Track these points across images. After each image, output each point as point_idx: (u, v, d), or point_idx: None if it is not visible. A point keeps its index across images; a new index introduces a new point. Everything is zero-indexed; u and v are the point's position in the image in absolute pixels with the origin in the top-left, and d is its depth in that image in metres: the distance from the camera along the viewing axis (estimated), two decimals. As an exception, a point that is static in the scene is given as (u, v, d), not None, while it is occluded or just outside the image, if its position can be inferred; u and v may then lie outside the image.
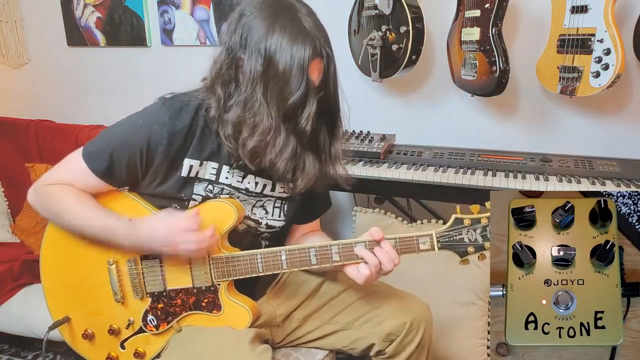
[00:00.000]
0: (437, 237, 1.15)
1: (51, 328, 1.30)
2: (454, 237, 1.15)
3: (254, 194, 1.28)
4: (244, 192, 1.27)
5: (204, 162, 1.22)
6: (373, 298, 1.36)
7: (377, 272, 1.16)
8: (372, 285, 1.39)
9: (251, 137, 1.13)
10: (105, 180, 1.22)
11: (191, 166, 1.21)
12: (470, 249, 1.15)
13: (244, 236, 1.30)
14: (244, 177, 1.26)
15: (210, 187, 1.24)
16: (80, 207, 1.20)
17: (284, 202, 1.32)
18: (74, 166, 1.22)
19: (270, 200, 1.30)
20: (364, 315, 1.34)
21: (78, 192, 1.21)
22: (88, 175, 1.20)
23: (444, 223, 1.17)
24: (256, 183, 1.27)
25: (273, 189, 1.30)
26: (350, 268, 1.20)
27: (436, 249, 1.16)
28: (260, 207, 1.30)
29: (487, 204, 1.08)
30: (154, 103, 1.22)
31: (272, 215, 1.31)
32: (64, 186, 1.21)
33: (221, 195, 1.25)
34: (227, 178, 1.24)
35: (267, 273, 1.22)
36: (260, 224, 1.31)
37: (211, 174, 1.23)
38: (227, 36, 1.14)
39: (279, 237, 1.37)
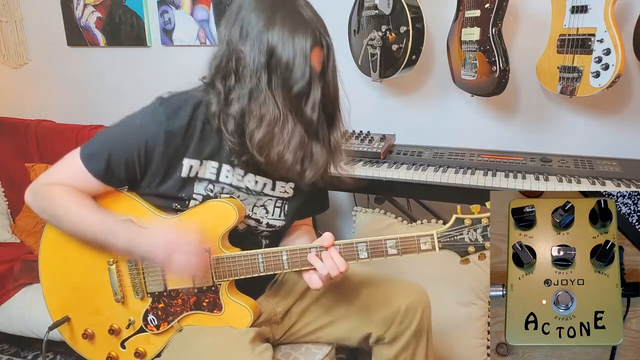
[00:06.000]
0: (438, 237, 1.15)
1: (51, 328, 1.30)
2: (455, 237, 1.15)
3: (254, 193, 1.28)
4: (244, 190, 1.27)
5: (204, 161, 1.22)
6: (368, 287, 1.36)
7: (326, 278, 1.17)
8: (367, 274, 1.39)
9: (258, 128, 1.13)
10: (104, 181, 1.21)
11: (191, 166, 1.21)
12: (471, 249, 1.15)
13: (244, 235, 1.30)
14: (244, 176, 1.25)
15: (210, 186, 1.24)
16: (79, 208, 1.18)
17: (284, 202, 1.32)
18: (71, 167, 1.21)
19: (271, 199, 1.30)
20: (359, 304, 1.33)
21: (77, 193, 1.20)
22: (86, 176, 1.20)
23: (444, 223, 1.17)
24: (256, 182, 1.27)
25: (273, 188, 1.30)
26: (305, 273, 1.20)
27: (437, 249, 1.15)
28: (260, 206, 1.30)
29: (488, 204, 1.08)
30: (151, 103, 1.21)
31: (273, 215, 1.31)
32: (63, 187, 1.21)
33: (222, 195, 1.25)
34: (227, 177, 1.24)
35: (268, 273, 1.22)
36: (261, 223, 1.31)
37: (211, 173, 1.23)
38: (227, 30, 1.14)
39: (279, 235, 1.37)
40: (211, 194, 1.24)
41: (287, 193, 1.32)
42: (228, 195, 1.26)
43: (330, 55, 1.17)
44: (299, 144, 1.15)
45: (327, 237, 1.17)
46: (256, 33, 1.10)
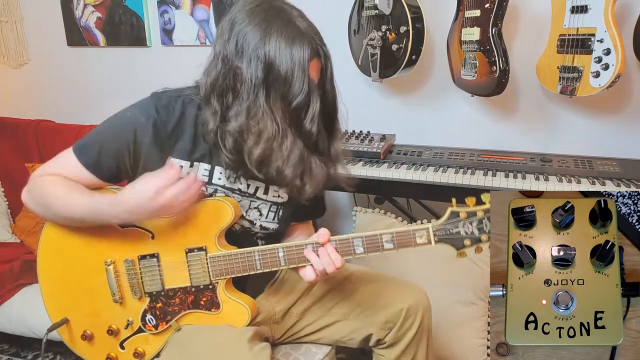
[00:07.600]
0: (433, 231, 1.14)
1: (49, 330, 1.30)
2: (451, 230, 1.14)
3: (247, 195, 1.28)
4: (238, 192, 1.26)
5: (195, 163, 1.21)
6: (369, 288, 1.35)
7: (321, 274, 1.16)
8: (368, 275, 1.40)
9: (257, 145, 1.11)
10: (95, 173, 1.20)
11: (181, 167, 1.20)
12: (467, 242, 1.13)
13: (240, 236, 1.30)
14: (235, 179, 1.25)
15: (203, 188, 1.23)
16: (65, 190, 1.18)
17: (279, 207, 1.32)
18: (64, 160, 1.22)
19: (265, 203, 1.30)
20: (360, 305, 1.33)
21: (67, 181, 1.20)
22: (78, 168, 1.20)
23: (443, 221, 1.16)
24: (248, 185, 1.27)
25: (266, 192, 1.29)
26: (301, 268, 1.20)
27: (433, 242, 1.14)
28: (254, 208, 1.30)
29: (483, 197, 1.08)
30: (145, 97, 1.22)
31: (267, 218, 1.31)
32: (54, 176, 1.21)
33: (215, 195, 1.25)
34: (219, 179, 1.24)
35: (265, 270, 1.21)
36: (255, 224, 1.30)
37: (203, 175, 1.23)
38: (221, 46, 1.13)
39: (275, 238, 1.36)
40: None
41: (282, 198, 1.31)
42: (223, 195, 1.25)
43: (328, 64, 1.16)
44: (299, 159, 1.14)
45: (323, 233, 1.16)
46: (252, 48, 1.08)
